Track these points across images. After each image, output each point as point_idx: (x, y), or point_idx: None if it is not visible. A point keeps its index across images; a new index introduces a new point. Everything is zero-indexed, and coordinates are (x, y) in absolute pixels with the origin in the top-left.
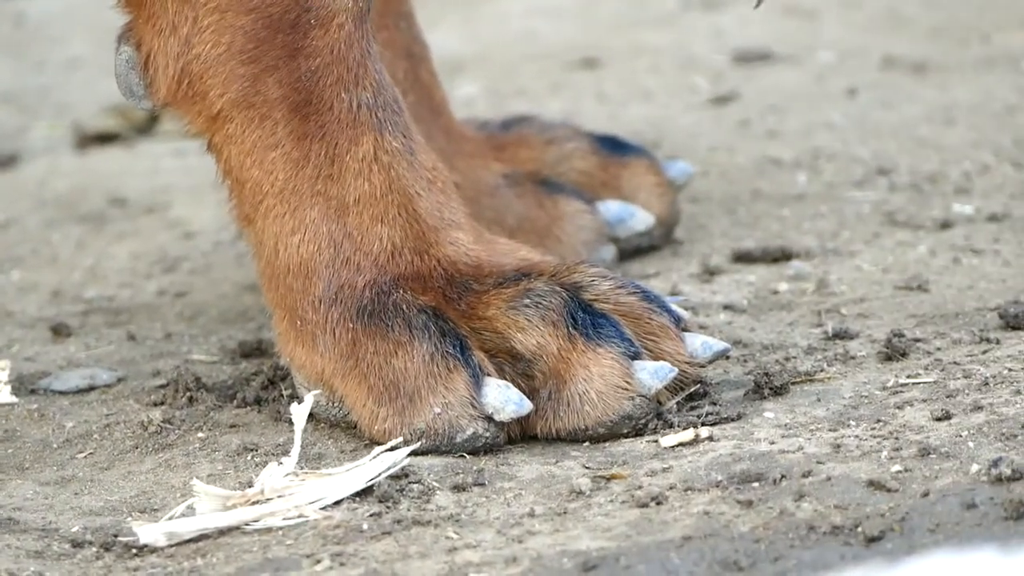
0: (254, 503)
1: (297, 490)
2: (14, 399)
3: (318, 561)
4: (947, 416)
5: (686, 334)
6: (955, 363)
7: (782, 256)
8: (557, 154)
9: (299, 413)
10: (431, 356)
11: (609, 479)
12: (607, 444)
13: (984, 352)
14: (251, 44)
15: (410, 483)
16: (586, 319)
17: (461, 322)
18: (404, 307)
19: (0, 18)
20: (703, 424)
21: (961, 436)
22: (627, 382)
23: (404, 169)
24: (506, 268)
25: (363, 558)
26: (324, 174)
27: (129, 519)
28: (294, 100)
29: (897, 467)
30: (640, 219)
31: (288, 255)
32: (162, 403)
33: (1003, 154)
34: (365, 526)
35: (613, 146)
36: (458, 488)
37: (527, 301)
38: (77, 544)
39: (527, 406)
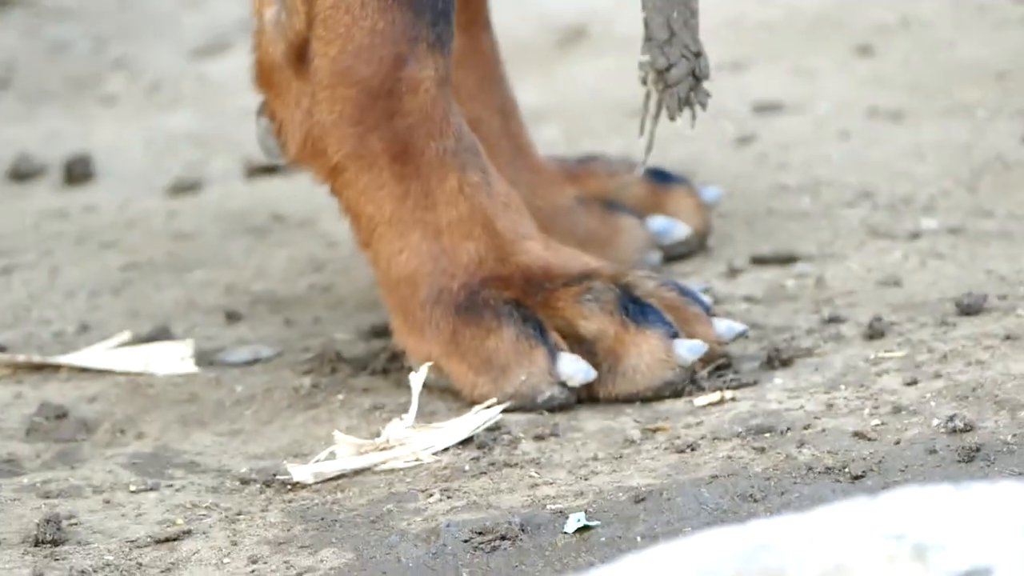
0: (382, 450)
1: (414, 439)
2: (197, 370)
3: (431, 495)
4: (914, 382)
5: (714, 319)
6: (921, 341)
7: (789, 259)
8: (618, 183)
9: (416, 380)
10: (516, 337)
11: (655, 431)
12: (653, 404)
13: (944, 333)
14: (357, 110)
15: (501, 434)
16: (636, 309)
17: (538, 311)
18: (492, 301)
19: (190, 78)
20: (727, 388)
21: (925, 398)
22: (668, 356)
23: (484, 197)
24: (571, 271)
25: (465, 492)
26: (421, 205)
27: (285, 462)
28: (394, 151)
29: (876, 421)
30: (680, 231)
31: (398, 269)
32: (311, 372)
33: (960, 182)
34: (467, 467)
35: (660, 176)
36: (538, 438)
37: (589, 296)
38: (245, 482)
39: (592, 374)
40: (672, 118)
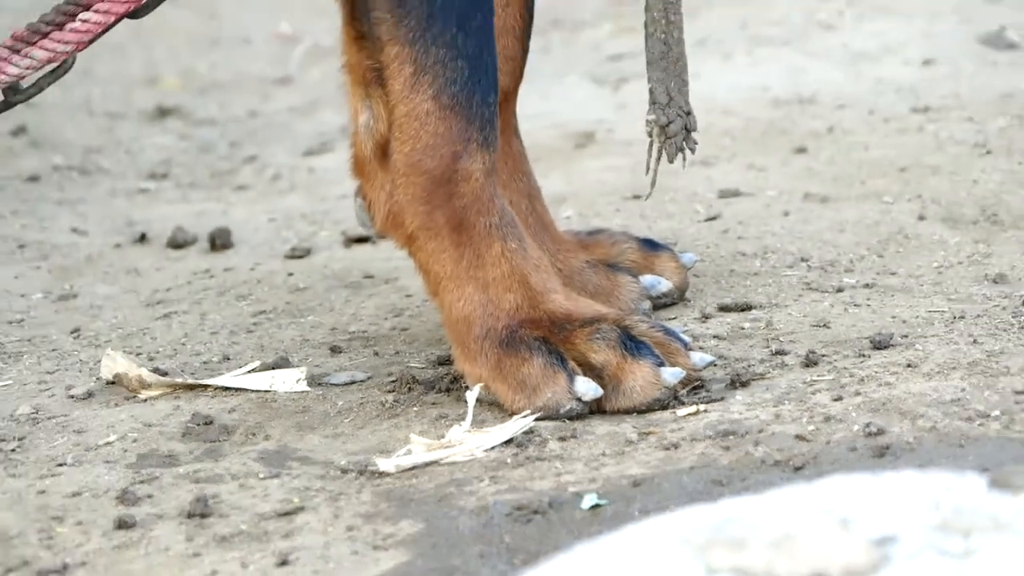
0: (446, 448)
1: (470, 440)
2: (308, 389)
3: (482, 481)
4: (840, 398)
5: (691, 352)
6: (845, 368)
7: (746, 307)
8: (618, 250)
9: (471, 397)
10: (544, 364)
11: (647, 434)
12: (646, 415)
13: (861, 362)
14: (425, 193)
15: (534, 436)
16: (632, 345)
17: (562, 346)
18: (526, 338)
19: (302, 171)
20: (701, 403)
21: (848, 410)
22: (657, 380)
23: (520, 260)
24: (585, 315)
25: (507, 479)
26: (474, 265)
27: (374, 456)
28: (452, 224)
29: (812, 427)
30: (664, 286)
31: (457, 313)
32: (393, 391)
33: (872, 249)
34: (508, 460)
35: (651, 245)
36: (562, 439)
37: (598, 335)
38: (344, 471)
39: (600, 392)
40: (671, 161)
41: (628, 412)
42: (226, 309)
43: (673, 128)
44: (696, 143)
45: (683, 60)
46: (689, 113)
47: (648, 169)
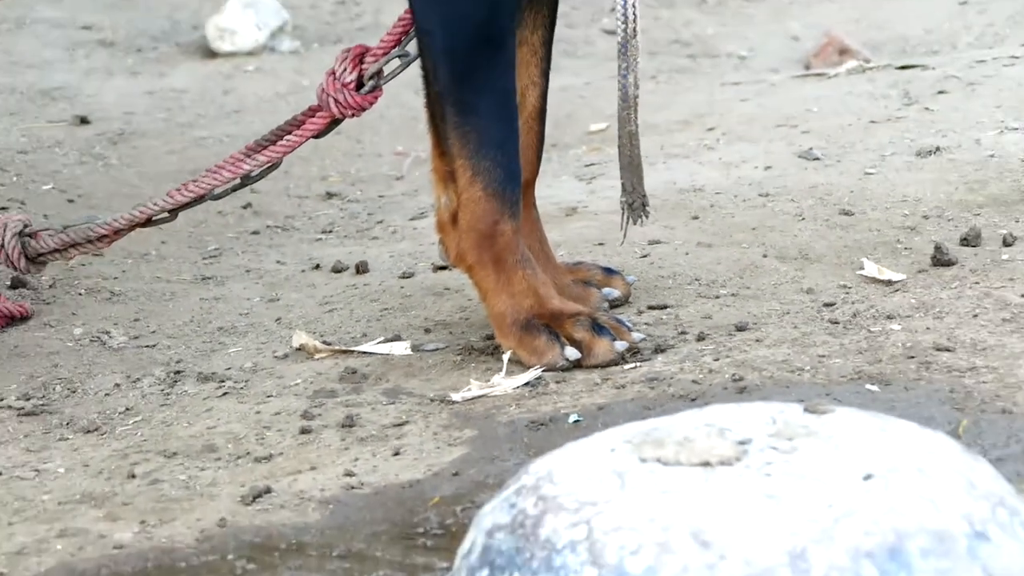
0: (490, 387)
1: (505, 383)
2: (411, 353)
3: (511, 406)
4: (718, 359)
5: (632, 332)
6: (720, 342)
7: (664, 307)
8: (590, 274)
9: (505, 358)
10: (547, 340)
11: (607, 380)
12: (606, 369)
13: (731, 338)
14: (477, 243)
15: (541, 381)
16: (598, 328)
17: (557, 329)
18: (537, 325)
19: (409, 229)
20: (638, 362)
21: (723, 365)
22: (612, 349)
23: (533, 280)
24: (571, 312)
25: (525, 405)
26: (506, 284)
27: (449, 392)
28: (494, 259)
29: (701, 376)
30: (616, 294)
31: (497, 310)
32: (460, 355)
33: (736, 275)
34: (526, 394)
35: (608, 271)
36: (557, 382)
37: (578, 323)
38: (432, 400)
39: (579, 355)
40: (635, 223)
41: (595, 367)
42: (364, 307)
43: (635, 206)
44: (649, 214)
45: (640, 166)
46: (645, 196)
47: (621, 228)
